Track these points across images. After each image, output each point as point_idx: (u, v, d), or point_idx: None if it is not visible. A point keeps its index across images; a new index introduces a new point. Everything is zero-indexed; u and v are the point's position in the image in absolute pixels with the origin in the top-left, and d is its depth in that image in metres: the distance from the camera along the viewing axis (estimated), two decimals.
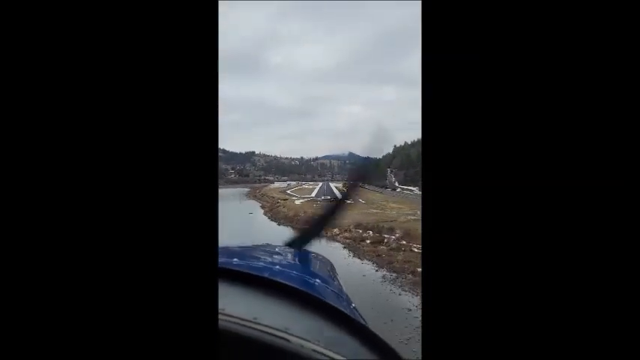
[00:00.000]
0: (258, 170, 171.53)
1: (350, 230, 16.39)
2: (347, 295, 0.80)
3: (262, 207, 28.72)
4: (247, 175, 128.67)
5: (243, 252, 0.98)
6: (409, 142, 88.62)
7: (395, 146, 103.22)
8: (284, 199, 32.33)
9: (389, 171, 75.64)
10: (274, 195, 39.66)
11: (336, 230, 17.41)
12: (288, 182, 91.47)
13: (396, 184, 61.02)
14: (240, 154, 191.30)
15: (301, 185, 77.16)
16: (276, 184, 76.57)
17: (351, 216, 21.68)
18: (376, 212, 22.50)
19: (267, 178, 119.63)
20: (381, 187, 58.78)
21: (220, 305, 0.34)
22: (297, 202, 30.97)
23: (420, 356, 0.40)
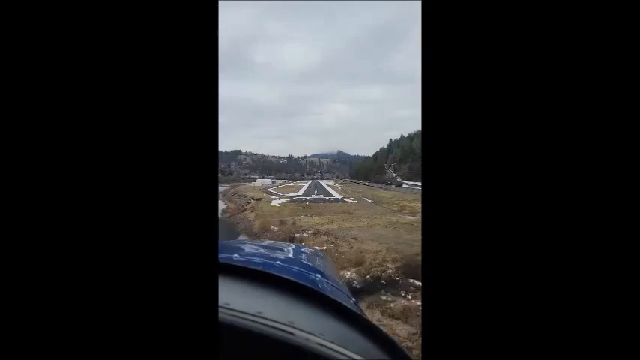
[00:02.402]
0: (244, 169, 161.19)
1: (394, 278, 3.36)
2: (347, 290, 0.82)
3: (224, 212, 17.45)
4: (231, 174, 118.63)
5: (246, 248, 1.00)
6: (405, 135, 77.16)
7: (391, 140, 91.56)
8: (258, 199, 21.06)
9: (387, 166, 65.07)
10: (249, 194, 28.27)
11: (348, 275, 3.50)
12: (274, 180, 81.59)
13: (398, 179, 50.86)
14: (226, 153, 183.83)
15: (287, 183, 66.50)
16: (259, 182, 66.37)
17: (370, 230, 9.57)
18: (412, 222, 10.22)
19: (252, 176, 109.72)
20: (382, 184, 48.13)
21: (225, 300, 0.35)
22: (275, 203, 19.50)
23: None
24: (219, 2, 0.39)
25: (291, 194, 33.87)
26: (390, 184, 46.73)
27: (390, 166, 71.13)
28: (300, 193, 36.21)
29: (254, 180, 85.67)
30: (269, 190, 40.17)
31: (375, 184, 49.94)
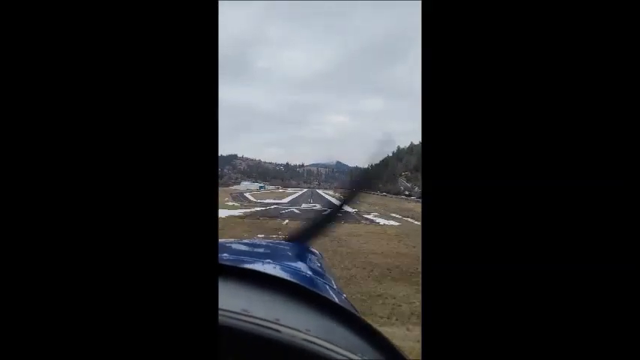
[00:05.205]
0: (237, 173, 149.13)
1: None
2: (338, 286, 0.84)
3: None
4: (221, 177, 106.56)
5: (238, 247, 1.00)
6: (415, 143, 64.48)
7: (399, 147, 77.81)
8: None
9: (399, 175, 53.05)
10: None
11: None
12: (262, 185, 68.95)
13: (416, 189, 39.52)
14: (222, 156, 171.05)
15: (279, 189, 53.62)
16: (243, 186, 53.25)
17: None
18: None
19: (241, 181, 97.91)
20: (396, 194, 36.25)
21: None
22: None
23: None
24: (219, 2, 0.40)
25: (271, 200, 20.40)
26: (409, 195, 41.47)
27: (401, 174, 60.16)
28: (286, 200, 23.06)
29: (238, 183, 73.62)
30: (245, 194, 27.22)
31: (387, 195, 40.61)
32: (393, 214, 15.45)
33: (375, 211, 17.35)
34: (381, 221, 12.57)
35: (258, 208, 15.39)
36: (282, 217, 11.99)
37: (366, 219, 13.15)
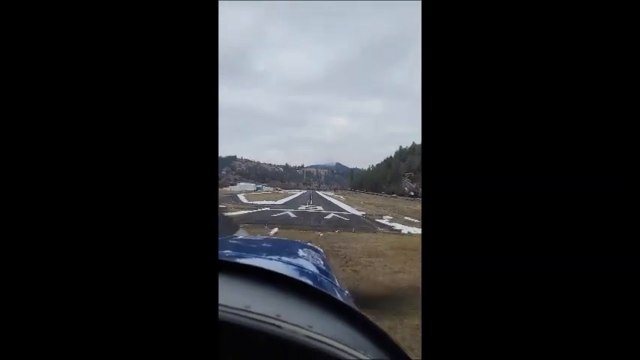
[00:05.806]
0: (236, 175, 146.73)
1: None
2: (340, 283, 0.85)
3: None
4: (220, 179, 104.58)
5: (240, 244, 1.03)
6: (417, 143, 61.61)
7: (400, 147, 75.03)
8: None
9: (402, 176, 50.21)
10: None
11: None
12: (259, 186, 66.81)
13: (421, 189, 35.68)
14: (221, 157, 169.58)
15: (278, 190, 51.14)
16: (239, 187, 50.99)
17: None
18: None
19: (240, 182, 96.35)
20: (401, 195, 33.01)
21: None
22: None
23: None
24: (219, 2, 0.40)
25: (265, 202, 17.76)
26: (415, 196, 41.17)
27: (404, 175, 57.84)
28: (282, 202, 20.43)
29: (236, 185, 71.53)
30: (238, 195, 24.78)
31: (393, 196, 38.15)
32: (410, 219, 12.92)
33: (387, 214, 14.81)
34: (402, 228, 9.94)
35: (247, 211, 12.86)
36: (273, 222, 9.47)
37: (382, 225, 10.61)
